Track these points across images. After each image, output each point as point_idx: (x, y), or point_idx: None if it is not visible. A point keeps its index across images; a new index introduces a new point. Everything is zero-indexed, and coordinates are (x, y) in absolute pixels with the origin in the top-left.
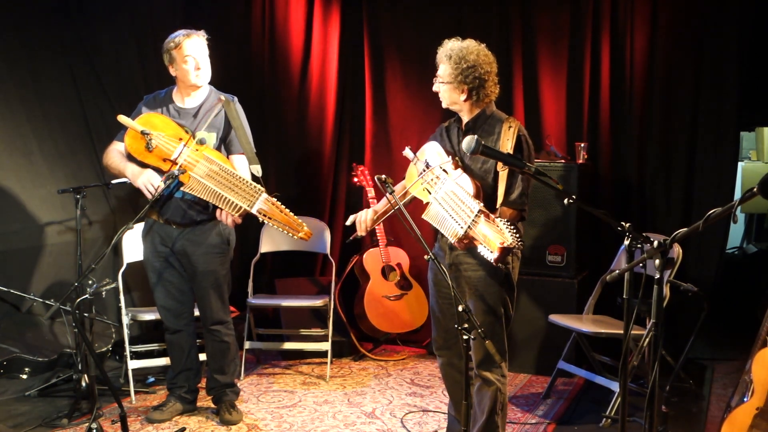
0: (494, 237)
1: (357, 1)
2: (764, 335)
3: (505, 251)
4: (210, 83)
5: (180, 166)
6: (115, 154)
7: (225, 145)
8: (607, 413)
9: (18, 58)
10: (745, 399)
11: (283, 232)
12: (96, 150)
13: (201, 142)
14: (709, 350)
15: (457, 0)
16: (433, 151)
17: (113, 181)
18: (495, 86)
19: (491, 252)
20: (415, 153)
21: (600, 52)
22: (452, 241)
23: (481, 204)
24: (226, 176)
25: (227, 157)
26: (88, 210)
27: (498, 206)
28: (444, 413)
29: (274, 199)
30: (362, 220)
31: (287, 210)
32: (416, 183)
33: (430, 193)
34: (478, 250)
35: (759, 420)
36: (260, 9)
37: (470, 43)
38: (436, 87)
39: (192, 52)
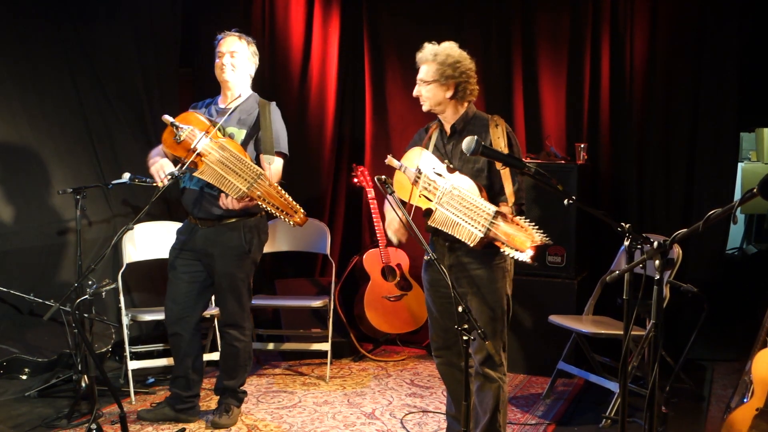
0: (523, 236)
1: (357, 1)
2: (764, 336)
3: (538, 249)
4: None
5: (191, 158)
6: (155, 149)
7: (255, 143)
8: (607, 414)
9: (18, 58)
10: (745, 400)
11: (279, 217)
12: (96, 150)
13: (230, 137)
14: (709, 351)
15: (457, 1)
16: (422, 155)
17: (113, 182)
18: (476, 84)
19: (521, 253)
20: (398, 161)
21: (600, 53)
22: (470, 245)
23: (495, 206)
24: (234, 161)
25: (258, 155)
26: (88, 210)
27: (511, 204)
28: (444, 413)
29: (275, 184)
30: (395, 230)
31: (286, 195)
32: (413, 192)
33: (429, 199)
34: (503, 251)
35: (759, 421)
36: (260, 9)
37: (451, 43)
38: (417, 91)
39: (223, 49)
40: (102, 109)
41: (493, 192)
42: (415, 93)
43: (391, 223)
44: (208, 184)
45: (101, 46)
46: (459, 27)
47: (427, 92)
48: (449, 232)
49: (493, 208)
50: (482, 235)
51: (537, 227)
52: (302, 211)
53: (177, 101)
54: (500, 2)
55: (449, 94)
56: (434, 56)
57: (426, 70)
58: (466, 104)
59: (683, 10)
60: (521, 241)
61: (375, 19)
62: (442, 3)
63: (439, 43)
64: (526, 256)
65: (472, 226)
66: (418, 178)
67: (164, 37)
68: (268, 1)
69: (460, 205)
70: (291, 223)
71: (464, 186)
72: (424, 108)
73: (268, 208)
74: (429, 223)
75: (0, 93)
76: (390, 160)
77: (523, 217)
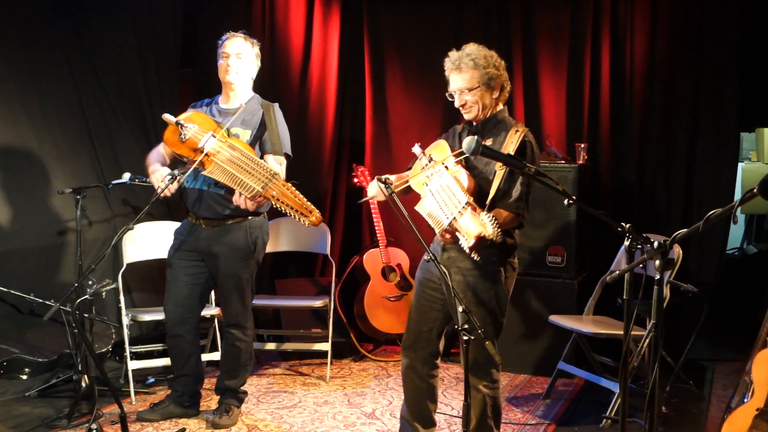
0: (474, 228)
1: (357, 1)
2: (764, 336)
3: (480, 240)
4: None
5: (198, 157)
6: (153, 153)
7: (260, 144)
8: (607, 414)
9: (18, 58)
10: (745, 400)
11: (294, 217)
12: (96, 150)
13: (235, 137)
14: (709, 351)
15: (457, 0)
16: (442, 147)
17: (113, 182)
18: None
19: (467, 241)
20: (423, 151)
21: (600, 52)
22: (437, 232)
23: (471, 198)
24: (245, 160)
25: (262, 157)
26: (88, 210)
27: (487, 202)
28: (443, 414)
29: (289, 183)
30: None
31: (300, 194)
32: (417, 176)
33: (427, 185)
34: (460, 242)
35: (759, 421)
36: (260, 9)
37: (476, 45)
38: (460, 101)
39: (228, 51)
40: (102, 109)
41: (497, 195)
42: (458, 104)
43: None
44: (216, 184)
45: (102, 46)
46: (459, 26)
47: (475, 98)
48: (426, 218)
49: (464, 198)
50: (447, 224)
51: (497, 225)
52: (317, 211)
53: (177, 101)
54: (500, 2)
55: (496, 95)
56: (475, 62)
57: (469, 77)
58: (500, 105)
59: (683, 10)
60: (471, 233)
61: (375, 19)
62: (442, 3)
63: (463, 38)
64: (467, 244)
65: (444, 213)
66: (427, 165)
67: (164, 37)
68: (268, 1)
69: (443, 193)
70: (306, 223)
71: (459, 178)
72: (471, 116)
73: (283, 208)
74: (416, 207)
75: (0, 93)
76: (416, 148)
77: (490, 215)
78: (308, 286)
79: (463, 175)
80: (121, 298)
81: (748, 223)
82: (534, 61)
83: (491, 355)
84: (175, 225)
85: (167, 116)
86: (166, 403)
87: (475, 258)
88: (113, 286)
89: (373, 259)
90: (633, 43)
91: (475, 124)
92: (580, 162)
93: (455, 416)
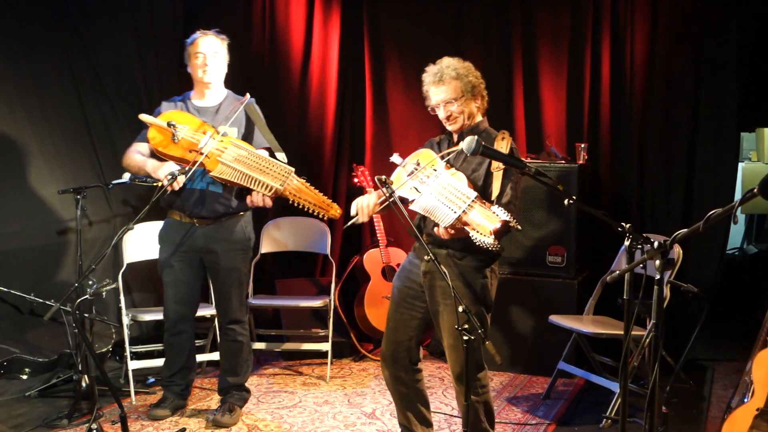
0: (491, 218)
1: (357, 1)
2: (764, 336)
3: (505, 225)
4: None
5: (199, 158)
6: (134, 153)
7: (247, 141)
8: (608, 414)
9: (18, 58)
10: (746, 400)
11: (313, 212)
12: (96, 150)
13: (224, 135)
14: (710, 351)
15: (457, 0)
16: (428, 154)
17: (113, 182)
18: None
19: (485, 236)
20: (403, 159)
21: (600, 52)
22: (441, 227)
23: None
24: (256, 159)
25: None
26: (88, 210)
27: (492, 199)
28: (444, 413)
29: (304, 180)
30: (364, 205)
31: (317, 190)
32: (405, 183)
33: (419, 191)
34: (471, 236)
35: (759, 421)
36: (260, 9)
37: (451, 57)
38: (446, 111)
39: (202, 49)
40: (102, 109)
41: (491, 196)
42: (443, 116)
43: (364, 206)
44: (214, 183)
45: (101, 46)
46: (459, 28)
47: (461, 108)
48: (427, 215)
49: (473, 193)
50: (455, 217)
51: (510, 215)
52: (336, 205)
53: None
54: (500, 2)
55: (477, 103)
56: (456, 73)
57: (453, 88)
58: (479, 115)
59: (683, 10)
60: (486, 227)
61: (375, 20)
62: (442, 3)
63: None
64: (489, 239)
65: (450, 209)
66: (416, 170)
67: (164, 37)
68: (268, 1)
69: (445, 191)
70: (326, 218)
71: (457, 179)
72: (456, 127)
73: (303, 204)
74: (410, 206)
75: (0, 93)
76: (395, 157)
77: (501, 208)
78: (308, 286)
79: (462, 176)
80: (121, 298)
81: (748, 223)
82: (534, 61)
83: (477, 359)
84: None
85: (146, 117)
86: (170, 398)
87: (494, 249)
88: (113, 286)
89: (373, 259)
90: (633, 43)
91: (456, 136)
92: (580, 162)
93: (455, 416)
